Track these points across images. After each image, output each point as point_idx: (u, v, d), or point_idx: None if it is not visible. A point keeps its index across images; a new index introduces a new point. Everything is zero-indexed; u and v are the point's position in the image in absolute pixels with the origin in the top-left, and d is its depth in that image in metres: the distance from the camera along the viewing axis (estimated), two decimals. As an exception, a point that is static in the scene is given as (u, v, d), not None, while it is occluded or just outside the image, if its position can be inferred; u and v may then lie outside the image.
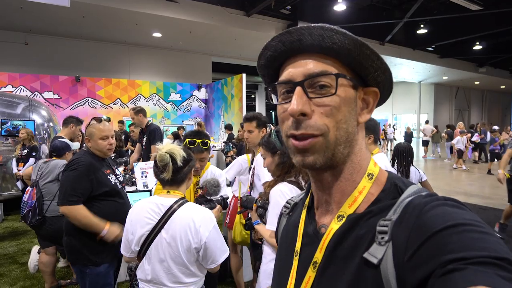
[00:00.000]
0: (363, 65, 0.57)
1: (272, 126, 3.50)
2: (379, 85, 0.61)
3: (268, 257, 1.78)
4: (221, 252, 1.64)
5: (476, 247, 0.40)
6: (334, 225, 0.58)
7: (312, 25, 0.55)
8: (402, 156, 3.38)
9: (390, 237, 0.49)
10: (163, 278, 1.57)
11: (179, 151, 1.64)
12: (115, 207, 2.27)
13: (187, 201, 1.65)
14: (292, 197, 0.80)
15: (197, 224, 1.56)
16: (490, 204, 6.59)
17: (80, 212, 2.11)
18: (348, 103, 0.57)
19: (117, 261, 2.40)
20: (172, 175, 1.63)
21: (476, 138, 12.57)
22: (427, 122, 16.54)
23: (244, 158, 3.08)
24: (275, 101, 0.62)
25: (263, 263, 1.81)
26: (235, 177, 3.12)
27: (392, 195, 0.56)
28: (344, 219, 0.57)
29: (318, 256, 0.58)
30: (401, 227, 0.48)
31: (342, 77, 0.56)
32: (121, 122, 8.90)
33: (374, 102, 0.62)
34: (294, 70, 0.57)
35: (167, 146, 1.66)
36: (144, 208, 1.62)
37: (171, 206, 1.58)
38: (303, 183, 1.73)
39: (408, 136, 16.47)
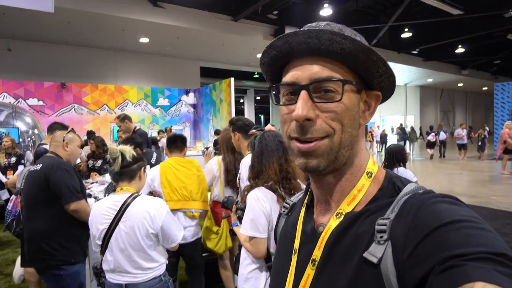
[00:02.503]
0: (369, 71, 0.57)
1: (269, 126, 3.49)
2: (382, 89, 0.61)
3: (245, 261, 1.74)
4: (178, 231, 1.91)
5: (474, 243, 0.41)
6: (333, 223, 0.58)
7: (321, 28, 0.55)
8: (390, 157, 3.45)
9: (389, 235, 0.49)
10: (126, 265, 1.76)
11: (130, 150, 1.87)
12: None
13: (139, 195, 1.85)
14: (291, 197, 0.80)
15: (152, 212, 1.77)
16: (476, 202, 6.72)
17: (86, 205, 2.25)
18: (353, 107, 0.57)
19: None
20: (120, 168, 1.83)
21: (431, 137, 14.23)
22: (401, 124, 17.59)
23: (215, 160, 3.13)
24: (274, 101, 0.62)
25: (240, 267, 1.78)
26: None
27: (390, 194, 0.56)
28: (342, 217, 0.57)
29: (317, 253, 0.58)
30: (400, 225, 0.49)
31: (349, 83, 0.55)
32: (91, 132, 7.70)
33: (376, 105, 0.62)
34: (300, 73, 0.56)
35: (121, 146, 1.89)
36: (100, 207, 1.81)
37: (125, 201, 1.77)
38: (282, 191, 1.67)
39: (383, 138, 17.44)
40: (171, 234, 1.86)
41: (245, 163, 2.48)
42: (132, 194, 1.83)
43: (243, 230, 1.65)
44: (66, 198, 2.19)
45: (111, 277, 1.80)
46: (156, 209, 1.80)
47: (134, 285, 1.77)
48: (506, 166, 10.02)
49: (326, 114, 0.55)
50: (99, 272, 1.92)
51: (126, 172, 1.86)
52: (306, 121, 0.54)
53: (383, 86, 0.61)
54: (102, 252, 1.80)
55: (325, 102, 0.55)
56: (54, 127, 3.95)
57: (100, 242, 1.79)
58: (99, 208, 1.82)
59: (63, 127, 4.01)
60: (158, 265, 1.85)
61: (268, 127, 3.07)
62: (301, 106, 0.54)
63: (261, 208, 1.60)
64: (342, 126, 0.55)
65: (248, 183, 2.38)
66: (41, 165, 2.26)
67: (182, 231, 1.97)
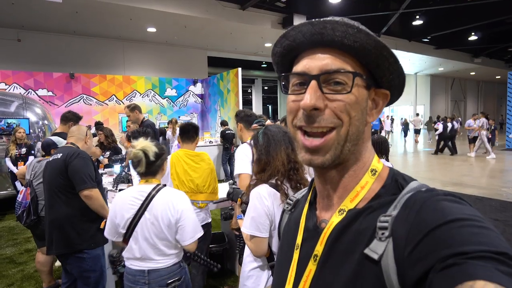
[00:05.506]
0: (379, 67, 0.57)
1: (269, 121, 3.49)
2: (391, 88, 0.60)
3: (247, 258, 1.73)
4: (195, 228, 1.90)
5: (476, 241, 0.40)
6: (335, 219, 0.58)
7: (336, 19, 0.54)
8: (374, 148, 3.38)
9: (391, 232, 0.49)
10: (150, 253, 1.83)
11: (151, 147, 1.88)
12: (103, 195, 2.52)
13: (164, 186, 1.94)
14: (297, 190, 0.80)
15: (175, 202, 1.85)
16: (486, 194, 6.65)
17: (99, 194, 2.38)
18: (361, 102, 0.56)
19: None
20: (146, 169, 1.89)
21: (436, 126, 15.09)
22: (417, 114, 18.69)
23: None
24: (283, 91, 0.63)
25: (243, 263, 1.77)
26: None
27: (393, 191, 0.56)
28: (345, 213, 0.57)
29: (319, 249, 0.58)
30: (401, 222, 0.49)
31: (359, 77, 0.55)
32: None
33: (383, 104, 0.62)
34: (311, 63, 0.56)
35: (140, 144, 1.89)
36: (126, 196, 1.88)
37: (150, 192, 1.86)
38: (287, 187, 1.64)
39: (405, 126, 19.00)
40: (187, 229, 1.87)
41: (239, 151, 2.56)
42: (157, 185, 1.91)
43: (244, 229, 1.62)
44: (80, 184, 2.31)
45: (134, 264, 1.86)
46: (178, 199, 1.88)
47: (156, 270, 1.84)
48: None
49: (335, 105, 0.54)
50: (115, 260, 1.99)
51: (151, 170, 1.92)
52: (313, 111, 0.54)
53: (393, 85, 0.60)
54: (126, 240, 1.87)
55: (335, 93, 0.54)
56: (69, 118, 4.00)
57: (124, 231, 1.85)
58: (125, 197, 1.88)
59: (77, 117, 4.07)
60: (178, 251, 1.92)
61: (268, 123, 3.08)
62: (310, 96, 0.54)
63: (263, 207, 1.57)
64: (350, 118, 0.55)
65: (235, 171, 2.42)
66: (61, 154, 2.40)
67: (200, 232, 1.95)
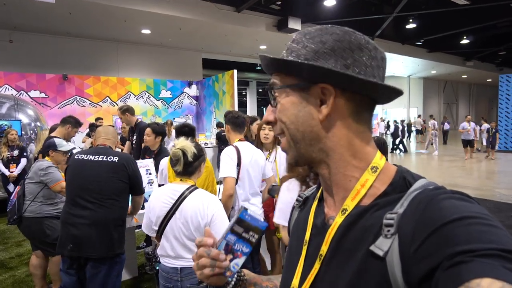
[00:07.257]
0: (289, 72, 0.62)
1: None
2: (326, 80, 0.57)
3: None
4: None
5: (483, 239, 0.40)
6: (339, 219, 0.59)
7: (264, 55, 0.63)
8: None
9: (396, 229, 0.49)
10: (181, 251, 1.86)
11: (190, 148, 1.91)
12: None
13: (197, 188, 1.93)
14: (304, 191, 0.82)
15: (205, 205, 1.83)
16: (480, 195, 6.70)
17: None
18: (290, 107, 0.61)
19: None
20: (183, 168, 1.91)
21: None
22: (419, 116, 19.75)
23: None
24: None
25: None
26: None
27: (400, 189, 0.56)
28: (347, 212, 0.58)
29: (324, 248, 0.59)
30: (408, 220, 0.49)
31: (282, 88, 0.62)
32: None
33: (329, 98, 0.58)
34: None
35: (181, 143, 1.92)
36: (161, 194, 1.92)
37: (183, 192, 1.87)
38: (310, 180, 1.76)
39: (408, 127, 20.15)
40: (219, 231, 1.80)
41: (224, 154, 2.61)
42: (191, 186, 1.92)
43: (275, 219, 1.76)
44: (140, 189, 2.50)
45: (167, 262, 1.91)
46: (210, 202, 1.86)
47: (188, 268, 1.86)
48: None
49: (278, 116, 0.64)
50: (151, 258, 2.09)
51: (188, 171, 1.95)
52: (270, 123, 0.66)
53: (326, 78, 0.57)
54: (158, 238, 1.92)
55: (275, 106, 0.64)
56: (68, 120, 3.97)
57: (156, 228, 1.91)
58: (160, 194, 1.93)
59: (76, 123, 4.02)
60: None
61: None
62: (266, 112, 0.67)
63: (287, 198, 1.68)
64: (284, 124, 0.62)
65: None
66: (116, 156, 2.38)
67: None
